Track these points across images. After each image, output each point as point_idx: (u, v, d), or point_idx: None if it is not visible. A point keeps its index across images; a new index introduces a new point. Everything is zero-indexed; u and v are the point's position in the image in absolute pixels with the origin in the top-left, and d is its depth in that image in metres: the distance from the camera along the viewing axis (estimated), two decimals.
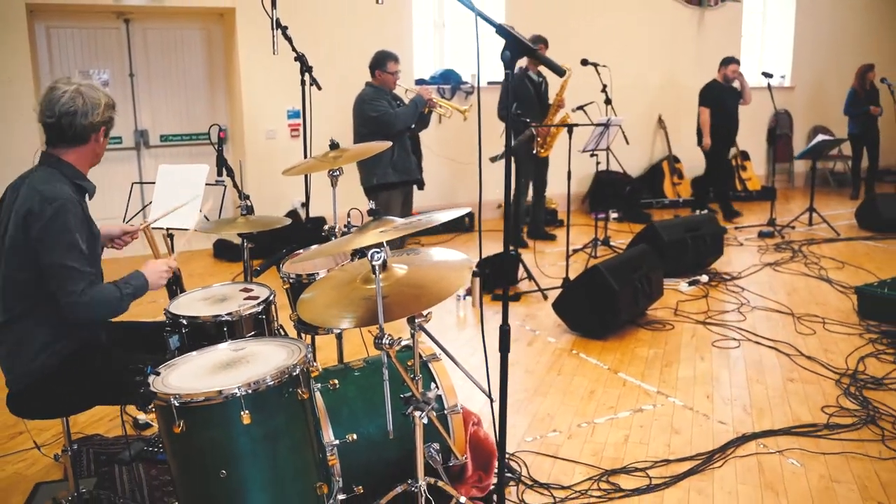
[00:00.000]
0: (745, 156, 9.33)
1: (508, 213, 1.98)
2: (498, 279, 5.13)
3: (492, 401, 1.88)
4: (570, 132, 5.16)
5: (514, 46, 1.55)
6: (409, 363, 2.27)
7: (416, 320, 1.97)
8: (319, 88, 3.51)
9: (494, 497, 2.52)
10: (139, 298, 2.28)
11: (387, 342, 1.82)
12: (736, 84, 7.64)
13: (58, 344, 2.19)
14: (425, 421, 1.96)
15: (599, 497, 2.68)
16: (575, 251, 6.23)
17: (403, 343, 2.00)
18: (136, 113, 6.68)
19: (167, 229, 3.05)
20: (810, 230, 7.25)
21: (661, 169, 8.82)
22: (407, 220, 1.93)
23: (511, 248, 5.33)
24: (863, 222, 7.29)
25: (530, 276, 5.21)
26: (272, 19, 3.05)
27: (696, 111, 7.79)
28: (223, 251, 6.52)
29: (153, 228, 2.70)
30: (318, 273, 2.61)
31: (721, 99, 7.62)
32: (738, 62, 7.66)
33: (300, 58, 3.41)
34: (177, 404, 1.78)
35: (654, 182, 8.81)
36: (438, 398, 2.38)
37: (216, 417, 1.80)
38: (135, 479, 2.83)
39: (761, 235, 7.03)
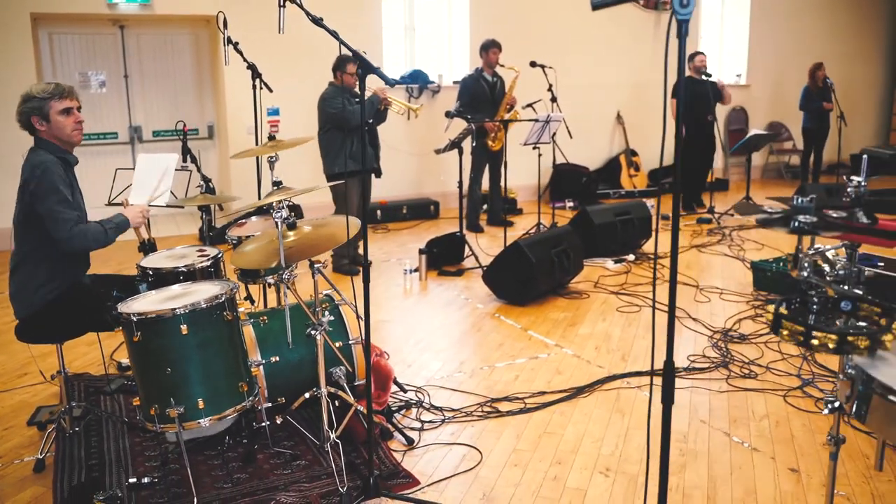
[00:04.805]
0: None
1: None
2: (442, 255, 5.83)
3: (358, 318, 2.56)
4: (505, 128, 5.84)
5: (364, 66, 2.27)
6: (325, 305, 3.00)
7: (315, 265, 2.68)
8: (270, 91, 4.21)
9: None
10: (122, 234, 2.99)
11: (286, 276, 2.53)
12: (714, 78, 8.04)
13: (52, 283, 2.90)
14: (319, 338, 2.66)
15: (480, 417, 3.38)
16: (524, 234, 6.93)
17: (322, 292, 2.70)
18: (130, 110, 7.42)
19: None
20: (747, 217, 7.91)
21: (619, 162, 9.49)
22: (304, 188, 2.64)
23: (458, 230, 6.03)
24: None
25: (474, 255, 5.91)
26: (223, 36, 3.75)
27: (652, 108, 8.47)
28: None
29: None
30: (253, 234, 3.31)
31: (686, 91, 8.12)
32: (703, 53, 7.99)
33: (251, 66, 4.11)
34: (135, 320, 2.49)
35: (613, 174, 9.49)
36: (343, 329, 3.07)
37: (163, 330, 2.51)
38: (116, 404, 3.55)
39: (699, 222, 7.71)
